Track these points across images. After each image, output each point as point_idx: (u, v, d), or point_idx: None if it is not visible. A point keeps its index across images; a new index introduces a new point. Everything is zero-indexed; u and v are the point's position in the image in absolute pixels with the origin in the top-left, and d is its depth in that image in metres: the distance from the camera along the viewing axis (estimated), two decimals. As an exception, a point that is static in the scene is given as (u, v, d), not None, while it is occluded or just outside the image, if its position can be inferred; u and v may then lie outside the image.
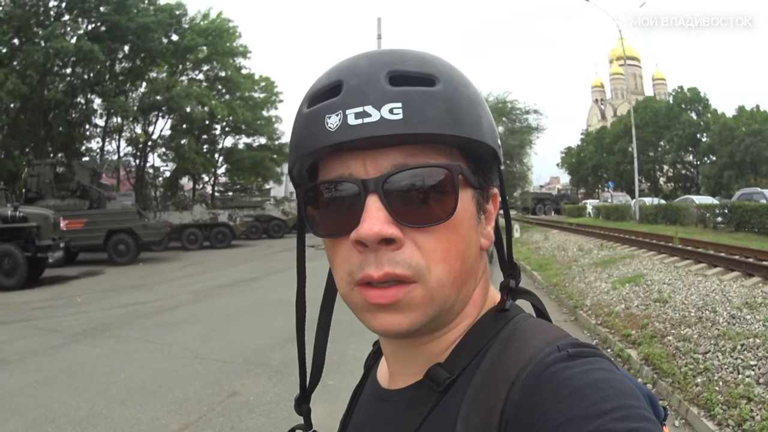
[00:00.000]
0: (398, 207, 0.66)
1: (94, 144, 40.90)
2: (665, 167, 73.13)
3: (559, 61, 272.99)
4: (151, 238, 23.33)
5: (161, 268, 20.68)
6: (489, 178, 0.76)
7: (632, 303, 9.34)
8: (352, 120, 0.65)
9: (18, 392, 6.57)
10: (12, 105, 32.01)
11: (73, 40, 32.07)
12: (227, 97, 44.30)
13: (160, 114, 40.96)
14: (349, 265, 0.69)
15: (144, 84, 39.79)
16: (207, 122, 44.21)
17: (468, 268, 0.72)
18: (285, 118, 51.63)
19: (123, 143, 42.41)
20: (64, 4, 32.94)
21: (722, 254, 12.44)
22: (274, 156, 47.71)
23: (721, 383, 5.50)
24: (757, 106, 58.51)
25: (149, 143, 42.51)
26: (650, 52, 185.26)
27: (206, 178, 49.80)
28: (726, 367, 5.84)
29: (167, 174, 46.01)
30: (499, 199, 0.80)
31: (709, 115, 64.62)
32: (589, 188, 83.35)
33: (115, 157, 39.38)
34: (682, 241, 15.43)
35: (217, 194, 45.65)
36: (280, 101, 50.48)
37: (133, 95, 39.98)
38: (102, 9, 33.63)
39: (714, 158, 60.83)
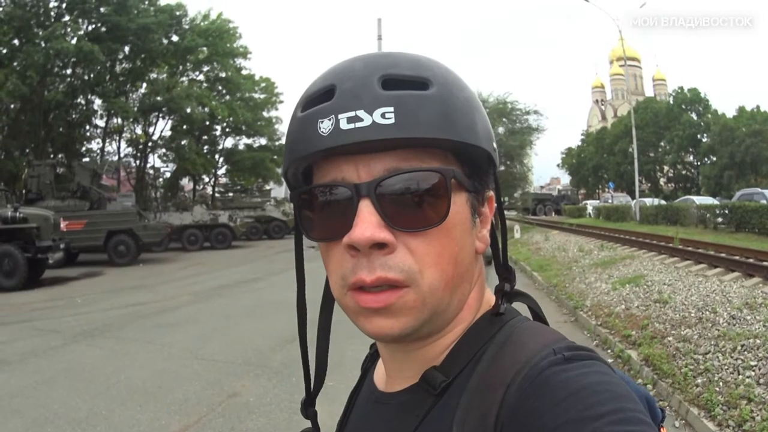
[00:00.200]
0: (391, 211, 0.65)
1: (95, 145, 41.10)
2: (666, 168, 73.16)
3: (559, 61, 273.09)
4: (151, 239, 23.35)
5: (161, 269, 20.69)
6: (484, 181, 0.76)
7: (632, 304, 9.33)
8: (344, 125, 0.64)
9: (18, 393, 6.57)
10: (12, 106, 32.04)
11: (74, 41, 32.15)
12: (227, 97, 44.43)
13: (161, 115, 41.06)
14: (342, 269, 0.69)
15: (144, 85, 39.91)
16: (207, 123, 44.31)
17: (461, 272, 0.72)
18: (285, 118, 51.40)
19: (123, 144, 42.63)
20: (64, 5, 33.02)
21: (722, 255, 12.42)
22: (275, 157, 47.68)
23: (721, 384, 5.49)
24: (758, 107, 58.58)
25: (149, 144, 42.59)
26: (650, 52, 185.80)
27: (206, 179, 49.92)
28: (726, 367, 5.83)
29: (167, 175, 46.13)
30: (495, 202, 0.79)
31: (709, 116, 64.64)
32: (590, 189, 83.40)
33: (116, 158, 39.47)
34: (683, 242, 15.42)
35: (217, 195, 45.75)
36: (281, 102, 50.62)
37: (134, 96, 40.12)
38: (102, 10, 33.71)
39: (714, 159, 60.86)
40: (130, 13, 34.09)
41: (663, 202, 35.43)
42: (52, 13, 32.93)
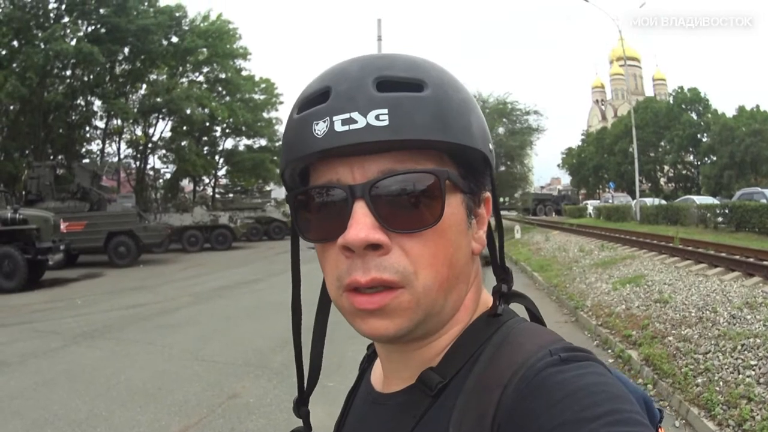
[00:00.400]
0: (385, 213, 0.66)
1: (95, 146, 41.13)
2: (666, 167, 73.22)
3: (559, 62, 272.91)
4: (151, 240, 23.38)
5: (162, 270, 20.71)
6: (480, 182, 0.76)
7: (633, 304, 9.33)
8: (338, 127, 0.64)
9: (18, 394, 6.57)
10: (12, 107, 32.06)
11: (73, 42, 32.18)
12: (227, 98, 44.49)
13: (161, 116, 41.11)
14: (337, 270, 0.69)
15: (144, 86, 39.95)
16: (207, 124, 44.36)
17: (456, 273, 0.72)
18: (285, 119, 51.64)
19: (123, 145, 42.65)
20: (63, 7, 33.05)
21: (723, 254, 12.43)
22: (275, 158, 47.64)
23: (721, 383, 5.49)
24: (757, 106, 58.68)
25: (149, 145, 42.63)
26: (650, 52, 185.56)
27: (207, 180, 49.96)
28: (726, 367, 5.83)
29: (167, 176, 46.19)
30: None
31: (709, 116, 64.73)
32: (590, 189, 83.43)
33: (116, 159, 39.49)
34: (683, 242, 15.42)
35: (217, 196, 45.75)
36: (281, 103, 50.61)
37: (134, 97, 40.15)
38: (102, 11, 33.76)
39: (714, 158, 60.93)
40: (130, 14, 34.14)
41: (663, 201, 35.43)
42: (52, 15, 32.95)
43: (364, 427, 0.83)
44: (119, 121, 39.59)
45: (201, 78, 44.27)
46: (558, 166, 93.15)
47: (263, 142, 49.18)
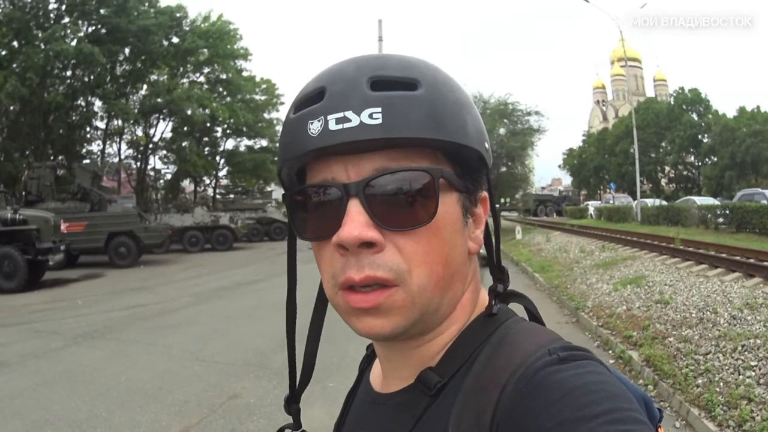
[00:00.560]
0: (379, 210, 0.66)
1: (95, 146, 41.10)
2: (667, 168, 73.18)
3: (559, 62, 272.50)
4: (152, 240, 23.41)
5: (162, 271, 20.73)
6: (477, 181, 0.76)
7: (633, 304, 9.34)
8: (332, 125, 0.65)
9: (18, 395, 6.57)
10: (12, 107, 32.04)
11: (74, 43, 32.20)
12: (228, 99, 44.51)
13: (161, 116, 41.11)
14: (332, 268, 0.69)
15: (145, 86, 39.92)
16: (208, 125, 44.34)
17: (452, 272, 0.72)
18: (285, 117, 51.77)
19: (124, 146, 42.64)
20: (64, 7, 33.06)
21: (723, 255, 12.41)
22: (276, 158, 47.01)
23: (721, 384, 5.49)
24: (758, 107, 58.67)
25: (150, 146, 42.63)
26: (651, 53, 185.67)
27: (207, 181, 49.90)
28: (727, 368, 5.83)
29: (168, 176, 46.21)
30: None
31: (710, 116, 64.70)
32: (591, 189, 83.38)
33: (116, 160, 39.49)
34: (684, 242, 15.41)
35: (218, 197, 45.68)
36: (281, 104, 50.50)
37: (134, 98, 40.12)
38: (102, 11, 33.76)
39: (715, 159, 60.95)
40: (130, 14, 34.13)
41: (664, 202, 35.40)
42: (52, 15, 32.96)
43: (363, 427, 0.84)
44: (120, 122, 39.59)
45: (202, 78, 44.32)
46: (559, 166, 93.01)
47: (264, 142, 49.13)
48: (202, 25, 40.88)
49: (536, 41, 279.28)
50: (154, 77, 40.09)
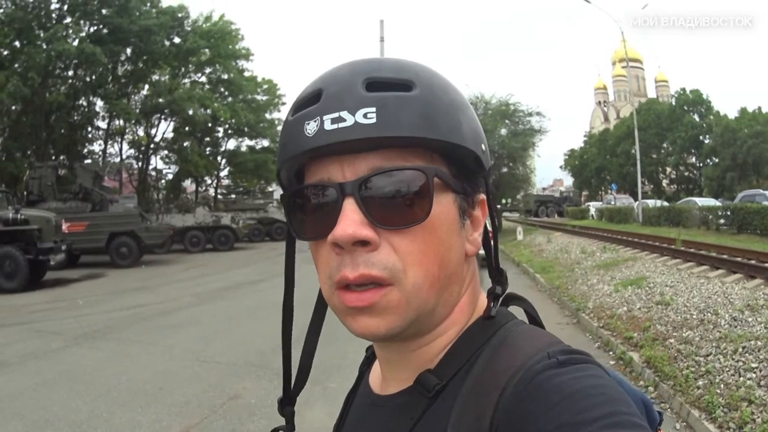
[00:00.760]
0: (374, 209, 0.67)
1: (97, 146, 41.07)
2: (668, 169, 73.09)
3: (560, 63, 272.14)
4: (153, 240, 23.44)
5: (163, 271, 20.75)
6: (474, 183, 0.77)
7: (634, 305, 9.33)
8: (328, 125, 0.66)
9: (18, 395, 6.58)
10: (13, 107, 32.00)
11: (75, 43, 32.24)
12: (230, 99, 44.51)
13: (163, 116, 41.09)
14: (328, 267, 0.70)
15: (146, 86, 39.92)
16: (209, 125, 44.29)
17: (448, 273, 0.72)
18: (284, 120, 51.76)
19: (125, 146, 42.63)
20: (65, 7, 33.06)
21: (724, 256, 12.40)
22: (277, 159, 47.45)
23: (722, 386, 5.48)
24: (759, 108, 58.56)
25: (151, 146, 42.62)
26: (653, 53, 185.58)
27: (209, 181, 49.87)
28: (727, 369, 5.82)
29: (170, 177, 46.12)
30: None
31: (711, 117, 64.63)
32: (592, 190, 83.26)
33: (118, 160, 39.49)
34: (685, 244, 15.40)
35: (219, 197, 45.74)
36: (283, 104, 50.47)
37: (136, 98, 40.13)
38: (104, 11, 33.76)
39: (716, 160, 60.87)
40: (132, 15, 34.11)
41: (665, 203, 35.34)
42: (54, 15, 32.97)
43: (362, 428, 0.84)
44: (121, 122, 39.59)
45: (203, 79, 44.32)
46: (560, 167, 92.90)
47: (266, 142, 49.06)
48: (204, 26, 40.89)
49: (536, 41, 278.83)
50: (155, 77, 40.10)
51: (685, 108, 66.85)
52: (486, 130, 0.79)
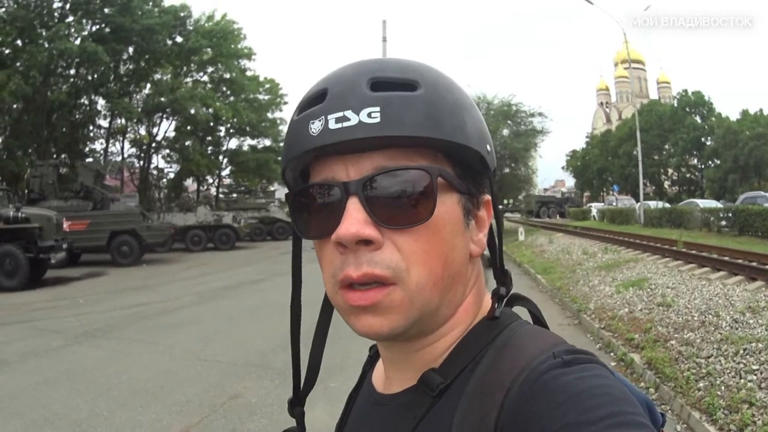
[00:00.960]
0: (377, 208, 0.67)
1: (98, 145, 41.19)
2: (670, 171, 73.20)
3: (561, 63, 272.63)
4: (154, 239, 23.43)
5: (165, 270, 20.75)
6: (479, 184, 0.76)
7: (636, 307, 9.33)
8: (332, 124, 0.67)
9: (18, 394, 6.57)
10: (15, 106, 32.09)
11: (77, 42, 32.29)
12: (232, 98, 44.55)
13: (165, 115, 41.15)
14: (332, 266, 0.70)
15: (148, 85, 40.01)
16: (211, 124, 44.33)
17: (452, 272, 0.72)
18: (289, 120, 51.76)
19: (127, 144, 42.79)
20: (68, 6, 33.11)
21: (726, 258, 12.41)
22: (279, 158, 47.10)
23: (723, 388, 5.48)
24: (761, 110, 58.66)
25: (153, 145, 42.69)
26: (655, 55, 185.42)
27: (210, 180, 49.94)
28: (728, 371, 5.81)
29: (171, 175, 46.24)
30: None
31: (713, 119, 64.79)
32: (594, 191, 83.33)
33: (119, 159, 39.50)
34: (686, 245, 15.41)
35: (221, 196, 45.79)
36: (285, 103, 50.58)
37: (138, 97, 40.25)
38: (106, 10, 33.80)
39: (718, 162, 61.00)
40: (134, 14, 34.17)
41: (667, 205, 35.40)
42: (56, 14, 33.04)
43: (365, 427, 0.84)
44: (123, 121, 39.66)
45: (205, 78, 44.38)
46: (562, 168, 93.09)
47: (267, 142, 49.12)
48: (206, 25, 40.90)
49: (537, 41, 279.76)
50: (157, 76, 40.14)
51: (687, 109, 67.00)
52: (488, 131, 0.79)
